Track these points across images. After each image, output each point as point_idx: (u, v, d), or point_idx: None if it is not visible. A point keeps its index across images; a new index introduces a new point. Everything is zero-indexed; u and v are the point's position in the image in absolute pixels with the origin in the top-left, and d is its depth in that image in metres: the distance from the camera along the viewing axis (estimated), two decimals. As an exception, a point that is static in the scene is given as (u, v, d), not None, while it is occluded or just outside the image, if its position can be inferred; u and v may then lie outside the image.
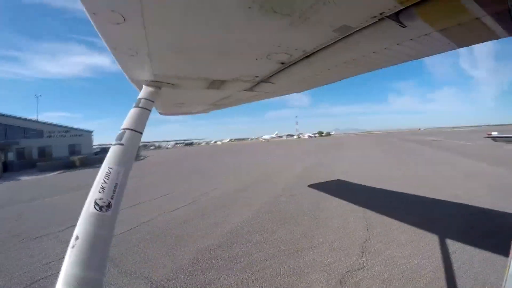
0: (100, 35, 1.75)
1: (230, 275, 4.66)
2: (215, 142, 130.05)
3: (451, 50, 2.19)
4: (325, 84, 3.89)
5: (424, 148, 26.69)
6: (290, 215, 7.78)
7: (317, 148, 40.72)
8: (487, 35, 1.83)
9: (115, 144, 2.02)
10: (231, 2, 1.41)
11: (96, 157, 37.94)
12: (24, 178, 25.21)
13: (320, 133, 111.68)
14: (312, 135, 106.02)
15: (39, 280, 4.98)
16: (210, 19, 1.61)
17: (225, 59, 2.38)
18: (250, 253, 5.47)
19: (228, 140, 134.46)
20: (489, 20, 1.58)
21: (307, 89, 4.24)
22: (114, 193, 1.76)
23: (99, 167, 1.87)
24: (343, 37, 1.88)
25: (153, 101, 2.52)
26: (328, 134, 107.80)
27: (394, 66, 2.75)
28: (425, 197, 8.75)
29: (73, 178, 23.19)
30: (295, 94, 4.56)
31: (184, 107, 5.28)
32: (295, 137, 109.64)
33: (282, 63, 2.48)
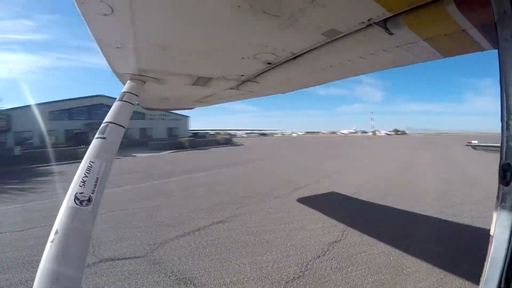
0: (86, 25, 1.70)
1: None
2: (291, 133, 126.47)
3: (436, 59, 2.24)
4: (310, 86, 3.92)
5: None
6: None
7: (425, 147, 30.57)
8: (472, 47, 1.87)
9: (97, 138, 1.96)
10: (221, 0, 1.39)
11: (200, 140, 40.14)
12: (141, 155, 27.46)
13: (396, 131, 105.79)
14: (389, 133, 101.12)
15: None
16: (199, 15, 1.58)
17: (211, 57, 2.35)
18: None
19: (303, 132, 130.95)
20: (474, 32, 1.61)
21: (293, 90, 4.25)
22: (95, 187, 1.72)
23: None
24: (330, 41, 1.88)
25: (137, 95, 2.47)
26: (404, 132, 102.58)
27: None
28: None
29: (194, 155, 26.43)
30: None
31: (168, 102, 5.21)
32: (370, 133, 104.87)
33: (269, 63, 2.47)
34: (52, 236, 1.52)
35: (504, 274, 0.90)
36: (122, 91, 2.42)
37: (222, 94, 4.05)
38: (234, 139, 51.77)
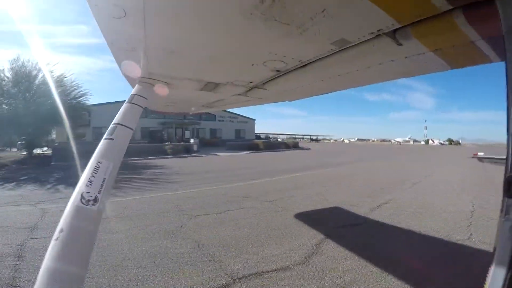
0: (99, 27, 1.74)
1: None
2: (343, 140, 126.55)
3: (444, 70, 2.24)
4: (317, 95, 3.94)
5: None
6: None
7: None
8: (480, 59, 1.88)
9: (105, 139, 1.99)
10: (233, 7, 1.42)
11: (270, 143, 41.82)
12: (222, 154, 29.68)
13: (450, 141, 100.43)
14: (443, 142, 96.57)
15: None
16: (211, 22, 1.61)
17: (221, 63, 2.38)
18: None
19: (356, 139, 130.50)
20: (483, 44, 1.62)
21: (300, 98, 4.27)
22: (101, 187, 1.74)
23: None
24: (339, 50, 1.90)
25: (146, 98, 2.50)
26: (458, 143, 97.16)
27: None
28: None
29: (278, 156, 28.31)
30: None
31: (176, 106, 5.26)
32: (422, 142, 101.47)
33: (278, 71, 2.49)
34: (56, 234, 1.53)
35: (506, 286, 0.90)
36: (131, 93, 2.45)
37: (230, 100, 4.08)
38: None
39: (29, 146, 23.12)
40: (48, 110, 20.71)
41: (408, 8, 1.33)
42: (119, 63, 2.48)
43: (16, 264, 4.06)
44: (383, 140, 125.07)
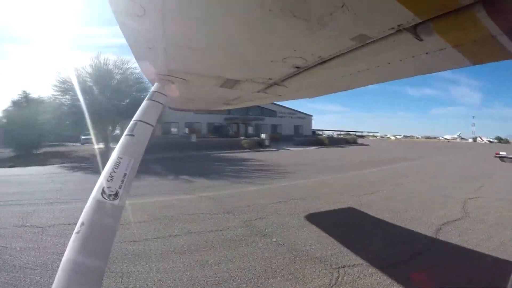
0: (119, 26, 1.80)
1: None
2: (388, 137, 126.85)
3: (465, 66, 2.20)
4: (337, 92, 3.91)
5: None
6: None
7: None
8: (502, 54, 1.84)
9: (126, 135, 2.06)
10: (253, 3, 1.45)
11: (331, 139, 45.34)
12: (293, 149, 32.39)
13: (499, 139, 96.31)
14: (492, 140, 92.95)
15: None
16: (230, 18, 1.65)
17: (240, 59, 2.42)
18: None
19: (402, 136, 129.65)
20: (504, 39, 1.60)
21: (319, 95, 4.26)
22: (122, 182, 1.79)
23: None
24: (359, 46, 1.90)
25: (166, 95, 2.56)
26: (507, 141, 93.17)
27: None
28: None
29: (346, 151, 31.05)
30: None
31: (194, 103, 5.32)
32: (470, 140, 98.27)
33: (297, 68, 2.51)
34: (78, 227, 1.59)
35: None
36: (151, 90, 2.52)
37: (248, 97, 4.11)
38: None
39: (105, 140, 25.77)
40: (124, 106, 23.36)
41: (428, 2, 1.33)
42: (138, 61, 2.55)
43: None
44: (428, 137, 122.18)
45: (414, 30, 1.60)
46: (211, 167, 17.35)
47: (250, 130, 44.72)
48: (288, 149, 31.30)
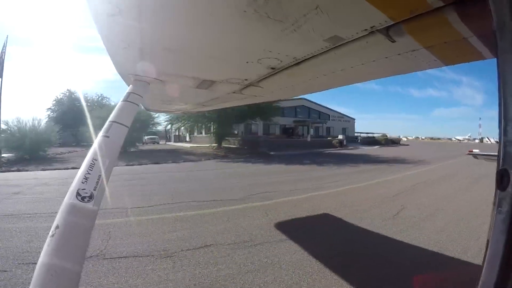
0: (94, 24, 1.73)
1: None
2: (401, 137, 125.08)
3: (438, 67, 2.25)
4: (313, 92, 3.94)
5: None
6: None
7: None
8: (473, 55, 1.89)
9: (101, 136, 1.98)
10: (227, 5, 1.42)
11: (385, 139, 50.57)
12: (365, 148, 36.35)
13: None
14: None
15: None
16: (204, 19, 1.61)
17: (216, 60, 2.38)
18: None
19: (414, 137, 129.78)
20: (475, 41, 1.63)
21: (296, 96, 4.29)
22: (97, 184, 1.73)
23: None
24: (333, 47, 1.90)
25: (142, 96, 2.49)
26: None
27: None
28: None
29: (407, 149, 35.28)
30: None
31: (171, 104, 5.24)
32: (477, 141, 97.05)
33: (272, 68, 2.49)
34: (52, 230, 1.53)
35: (499, 279, 0.91)
36: (127, 91, 2.44)
37: (225, 98, 4.08)
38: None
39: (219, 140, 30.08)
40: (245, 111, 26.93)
41: (400, 5, 1.34)
42: (113, 61, 2.46)
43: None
44: (432, 138, 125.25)
45: (386, 31, 1.61)
46: (348, 159, 21.21)
47: (312, 131, 47.67)
48: (362, 148, 35.55)
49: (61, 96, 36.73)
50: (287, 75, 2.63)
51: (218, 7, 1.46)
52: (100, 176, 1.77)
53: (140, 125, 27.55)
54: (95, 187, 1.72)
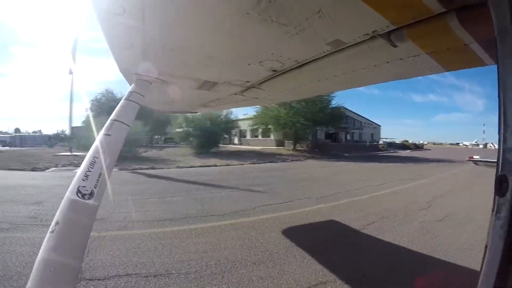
0: (99, 24, 1.74)
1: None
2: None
3: (439, 73, 2.25)
4: (315, 95, 3.95)
5: None
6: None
7: None
8: (474, 61, 1.89)
9: (102, 134, 1.99)
10: (231, 7, 1.42)
11: (413, 144, 60.47)
12: (402, 152, 43.04)
13: None
14: None
15: None
16: (207, 21, 1.61)
17: (218, 62, 2.38)
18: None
19: (426, 142, 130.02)
20: (476, 47, 1.63)
21: (297, 99, 4.31)
22: (97, 182, 1.74)
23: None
24: (335, 51, 1.90)
25: (143, 96, 2.49)
26: None
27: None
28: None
29: (428, 152, 41.15)
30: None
31: (173, 105, 5.23)
32: (481, 146, 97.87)
33: (274, 71, 2.49)
34: (52, 226, 1.55)
35: (497, 284, 0.91)
36: (129, 90, 2.44)
37: (226, 99, 4.07)
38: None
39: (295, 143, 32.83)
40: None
41: (402, 10, 1.34)
42: (116, 60, 2.47)
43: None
44: (434, 143, 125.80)
45: (388, 36, 1.61)
46: (406, 159, 24.28)
47: (348, 137, 52.72)
48: (398, 151, 41.41)
49: (99, 96, 36.37)
50: (288, 78, 2.63)
51: (220, 9, 1.46)
52: (101, 173, 1.78)
53: (222, 127, 30.01)
54: (96, 185, 1.73)
